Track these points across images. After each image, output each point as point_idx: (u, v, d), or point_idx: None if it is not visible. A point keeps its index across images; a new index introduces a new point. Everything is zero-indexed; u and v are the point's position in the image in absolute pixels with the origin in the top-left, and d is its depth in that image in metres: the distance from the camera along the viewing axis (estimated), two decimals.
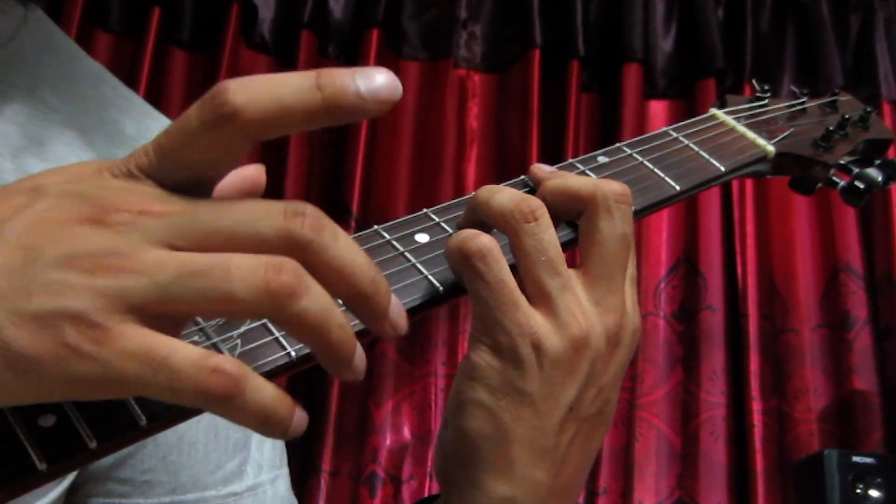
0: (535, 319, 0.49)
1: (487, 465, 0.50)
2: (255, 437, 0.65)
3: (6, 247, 0.34)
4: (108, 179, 0.37)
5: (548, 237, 0.50)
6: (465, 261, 0.49)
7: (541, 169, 0.56)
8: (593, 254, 0.52)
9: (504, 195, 0.51)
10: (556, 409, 0.50)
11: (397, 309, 0.40)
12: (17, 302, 0.33)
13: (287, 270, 0.35)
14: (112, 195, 0.36)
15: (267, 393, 0.35)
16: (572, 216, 0.53)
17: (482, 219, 0.52)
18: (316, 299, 0.36)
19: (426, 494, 1.72)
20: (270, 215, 0.36)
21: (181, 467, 0.61)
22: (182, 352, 0.34)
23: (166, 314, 0.35)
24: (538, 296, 0.50)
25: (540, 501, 0.51)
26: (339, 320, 0.36)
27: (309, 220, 0.36)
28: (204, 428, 0.62)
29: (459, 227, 0.53)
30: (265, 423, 0.35)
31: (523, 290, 0.50)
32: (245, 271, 0.35)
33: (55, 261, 0.34)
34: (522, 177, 0.57)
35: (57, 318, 0.33)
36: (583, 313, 0.50)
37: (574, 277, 0.51)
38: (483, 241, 0.49)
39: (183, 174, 0.37)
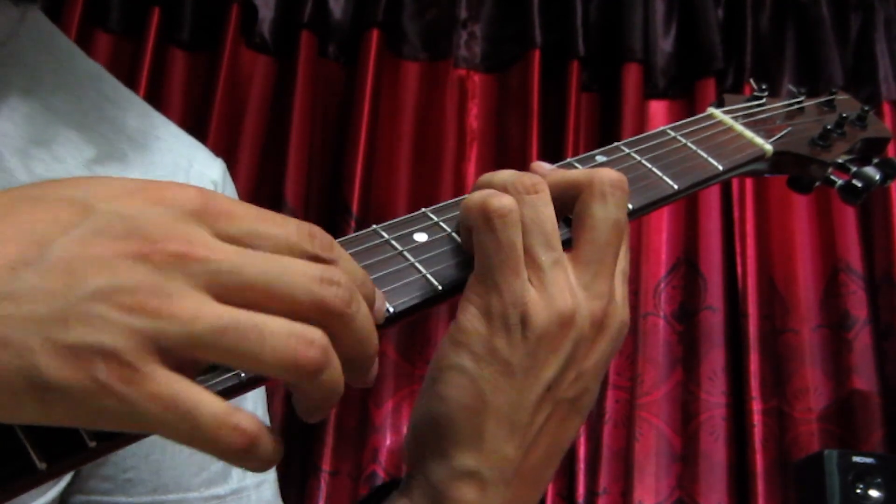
0: (529, 291, 0.49)
1: (458, 435, 0.50)
2: None
3: (49, 270, 0.34)
4: (157, 205, 0.37)
5: (546, 211, 0.50)
6: (483, 215, 0.49)
7: (541, 166, 0.57)
8: (585, 238, 0.52)
9: (506, 172, 0.52)
10: (535, 385, 0.50)
11: (374, 371, 0.43)
12: (53, 329, 0.33)
13: (316, 346, 0.36)
14: (160, 228, 0.36)
15: (273, 447, 0.36)
16: (571, 209, 0.53)
17: None
18: (333, 372, 0.37)
19: None
20: (307, 280, 0.37)
21: (164, 467, 0.60)
22: (207, 404, 0.35)
23: (192, 360, 0.35)
24: (530, 267, 0.50)
25: (505, 480, 0.50)
26: (341, 390, 0.38)
27: (342, 290, 0.38)
28: None
29: (458, 225, 0.53)
30: (262, 469, 0.36)
31: None
32: (277, 339, 0.36)
33: (95, 293, 0.34)
34: None
35: (90, 353, 0.33)
36: (571, 292, 0.50)
37: (565, 258, 0.51)
38: (506, 201, 0.49)
39: None
